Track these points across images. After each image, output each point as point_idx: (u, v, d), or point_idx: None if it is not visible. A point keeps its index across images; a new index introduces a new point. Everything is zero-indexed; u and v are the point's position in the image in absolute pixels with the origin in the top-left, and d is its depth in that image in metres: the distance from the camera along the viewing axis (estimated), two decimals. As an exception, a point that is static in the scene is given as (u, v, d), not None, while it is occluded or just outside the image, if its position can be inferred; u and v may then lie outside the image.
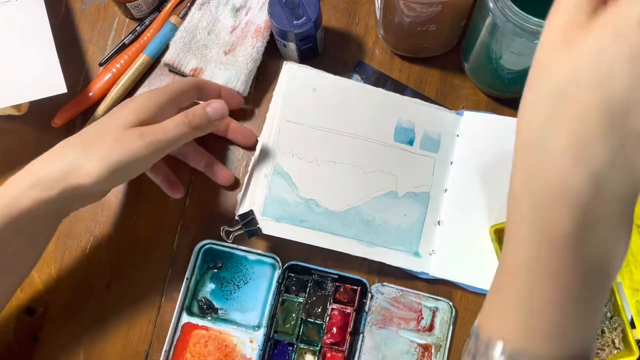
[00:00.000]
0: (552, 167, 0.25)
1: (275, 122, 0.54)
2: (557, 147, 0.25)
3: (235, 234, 0.52)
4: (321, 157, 0.53)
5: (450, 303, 0.52)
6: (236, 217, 0.52)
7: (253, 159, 0.54)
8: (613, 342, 0.48)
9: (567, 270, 0.26)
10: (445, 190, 0.54)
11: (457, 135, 0.55)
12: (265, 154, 0.53)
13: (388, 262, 0.52)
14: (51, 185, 0.41)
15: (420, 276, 0.53)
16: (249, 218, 0.51)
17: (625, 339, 0.48)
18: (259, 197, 0.52)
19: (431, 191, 0.54)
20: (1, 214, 0.40)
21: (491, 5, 0.45)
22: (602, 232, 0.26)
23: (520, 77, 0.51)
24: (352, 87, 0.55)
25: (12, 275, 0.46)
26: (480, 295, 0.52)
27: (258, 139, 0.54)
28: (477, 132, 0.55)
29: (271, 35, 0.57)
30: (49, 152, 0.44)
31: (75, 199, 0.45)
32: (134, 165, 0.43)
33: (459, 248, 0.52)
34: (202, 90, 0.50)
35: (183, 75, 0.58)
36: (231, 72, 0.56)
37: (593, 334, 0.29)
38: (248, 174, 0.53)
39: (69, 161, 0.42)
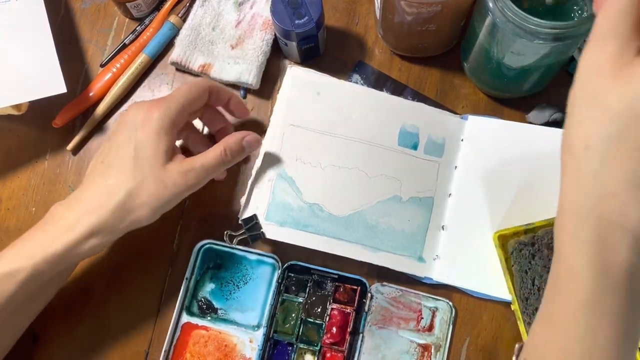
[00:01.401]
0: (609, 204, 0.26)
1: (280, 126, 0.54)
2: (617, 179, 0.25)
3: (239, 239, 0.52)
4: (325, 162, 0.53)
5: (450, 303, 0.52)
6: (240, 222, 0.51)
7: (257, 163, 0.53)
8: None
9: (624, 308, 0.27)
10: (450, 195, 0.54)
11: (462, 140, 0.55)
12: (269, 158, 0.53)
13: (392, 267, 0.52)
14: (109, 232, 0.45)
15: (424, 281, 0.52)
16: (252, 223, 0.51)
17: None
18: (263, 202, 0.52)
19: (435, 196, 0.53)
20: (61, 257, 0.44)
21: (491, 5, 0.45)
22: None
23: (519, 77, 0.51)
24: (356, 91, 0.55)
25: (43, 301, 0.50)
26: (480, 297, 0.52)
27: (262, 142, 0.54)
28: (481, 136, 0.54)
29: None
30: (93, 192, 0.45)
31: None
32: (176, 200, 0.46)
33: (463, 253, 0.52)
34: (213, 95, 0.50)
35: (191, 73, 0.58)
36: (242, 66, 0.56)
37: None
38: (252, 178, 0.53)
39: (119, 205, 0.44)
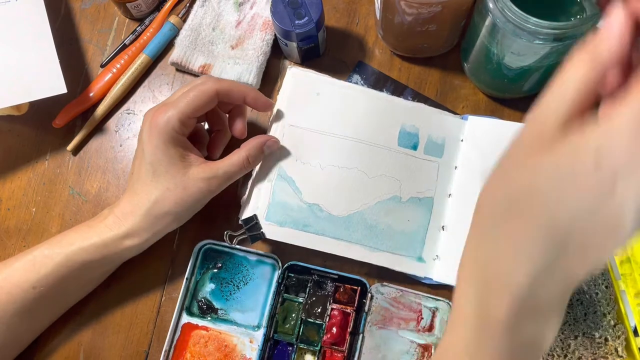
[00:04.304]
0: (497, 264, 0.28)
1: (280, 127, 0.54)
2: (503, 250, 0.28)
3: (239, 239, 0.52)
4: (325, 162, 0.53)
5: (450, 303, 0.52)
6: (240, 222, 0.52)
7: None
8: (616, 350, 0.47)
9: (500, 352, 0.29)
10: (450, 195, 0.54)
11: (462, 140, 0.55)
12: (269, 159, 0.53)
13: (392, 267, 0.52)
14: (143, 235, 0.48)
15: (424, 281, 0.52)
16: (252, 223, 0.51)
17: (628, 347, 0.48)
18: (263, 202, 0.52)
19: (435, 196, 0.53)
20: (97, 249, 0.48)
21: (491, 5, 0.45)
22: (535, 322, 0.29)
23: (520, 77, 0.51)
24: (355, 92, 0.55)
25: (79, 294, 0.52)
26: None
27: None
28: (481, 136, 0.54)
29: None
30: (127, 201, 0.48)
31: None
32: (200, 204, 0.49)
33: None
34: (222, 98, 0.48)
35: (191, 73, 0.58)
36: (242, 66, 0.56)
37: None
38: (252, 178, 0.53)
39: (147, 212, 0.47)
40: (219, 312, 0.53)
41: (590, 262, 0.27)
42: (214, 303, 0.53)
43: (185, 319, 0.52)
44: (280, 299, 0.52)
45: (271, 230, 0.51)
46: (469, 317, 0.30)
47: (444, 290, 0.53)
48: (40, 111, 0.57)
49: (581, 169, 0.25)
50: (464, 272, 0.31)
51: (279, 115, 0.54)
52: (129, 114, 0.58)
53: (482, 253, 0.29)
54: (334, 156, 0.53)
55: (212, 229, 0.55)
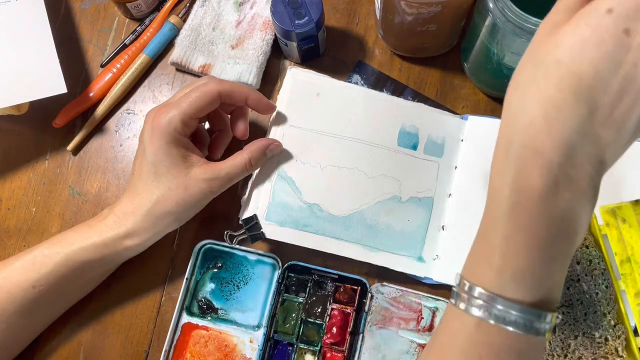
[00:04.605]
0: (528, 131, 0.29)
1: (280, 127, 0.54)
2: (533, 114, 0.29)
3: (239, 239, 0.52)
4: (325, 162, 0.53)
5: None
6: (240, 222, 0.52)
7: None
8: (616, 350, 0.47)
9: (535, 224, 0.30)
10: (450, 195, 0.54)
11: (462, 140, 0.55)
12: (269, 159, 0.53)
13: (391, 267, 0.52)
14: (143, 235, 0.48)
15: (424, 281, 0.52)
16: (252, 222, 0.51)
17: (628, 347, 0.48)
18: (263, 202, 0.52)
19: (435, 196, 0.53)
20: (98, 248, 0.48)
21: (491, 5, 0.45)
22: (569, 194, 0.29)
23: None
24: (355, 92, 0.55)
25: (79, 294, 0.52)
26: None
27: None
28: (481, 136, 0.54)
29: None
30: (128, 201, 0.48)
31: None
32: (201, 205, 0.50)
33: (463, 253, 0.52)
34: (225, 98, 0.49)
35: (191, 73, 0.58)
36: (242, 66, 0.56)
37: (556, 286, 0.32)
38: (252, 178, 0.53)
39: (148, 212, 0.47)
40: (219, 311, 0.53)
41: (618, 127, 0.28)
42: (214, 303, 0.53)
43: (186, 318, 0.52)
44: (280, 299, 0.52)
45: (271, 230, 0.51)
46: (505, 193, 0.30)
47: (444, 290, 0.53)
48: (40, 111, 0.57)
49: (595, 21, 0.27)
50: (498, 152, 0.31)
51: (279, 116, 0.54)
52: (129, 113, 0.58)
53: (514, 127, 0.30)
54: (334, 156, 0.53)
55: (212, 229, 0.55)
